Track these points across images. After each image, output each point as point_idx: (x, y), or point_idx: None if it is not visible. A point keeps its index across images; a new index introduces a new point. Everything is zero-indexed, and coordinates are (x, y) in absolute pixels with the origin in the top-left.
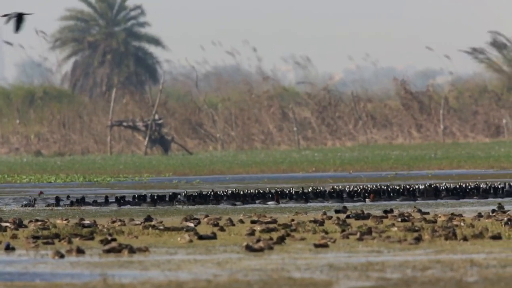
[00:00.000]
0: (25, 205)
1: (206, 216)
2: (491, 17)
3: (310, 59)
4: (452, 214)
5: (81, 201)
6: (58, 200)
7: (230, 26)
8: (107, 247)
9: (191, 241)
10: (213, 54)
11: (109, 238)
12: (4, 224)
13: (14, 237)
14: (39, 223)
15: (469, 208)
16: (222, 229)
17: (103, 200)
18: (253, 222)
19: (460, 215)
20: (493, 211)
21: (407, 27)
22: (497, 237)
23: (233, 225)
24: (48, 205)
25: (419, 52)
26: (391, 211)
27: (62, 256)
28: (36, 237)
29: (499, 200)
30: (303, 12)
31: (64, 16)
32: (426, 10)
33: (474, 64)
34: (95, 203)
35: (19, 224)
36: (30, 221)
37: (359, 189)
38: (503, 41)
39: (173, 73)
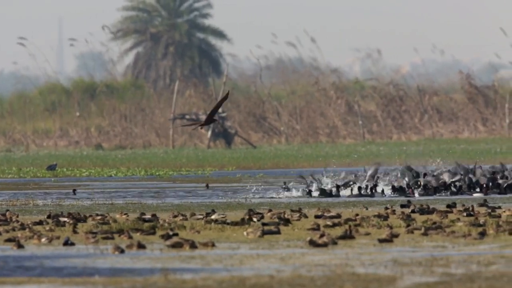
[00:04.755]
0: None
1: (270, 210)
2: None
3: (381, 51)
4: None
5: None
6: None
7: (293, 20)
8: (168, 242)
9: (259, 236)
10: (275, 47)
11: (171, 233)
12: (62, 219)
13: (73, 232)
14: (99, 217)
15: None
16: (286, 223)
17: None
18: (317, 216)
19: None
20: None
21: (480, 16)
22: None
23: (298, 219)
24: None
25: (485, 44)
26: (455, 205)
27: (122, 251)
28: (95, 232)
29: None
30: (365, 6)
31: (125, 6)
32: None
33: None
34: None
35: (78, 219)
36: (90, 216)
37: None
38: None
39: (236, 66)
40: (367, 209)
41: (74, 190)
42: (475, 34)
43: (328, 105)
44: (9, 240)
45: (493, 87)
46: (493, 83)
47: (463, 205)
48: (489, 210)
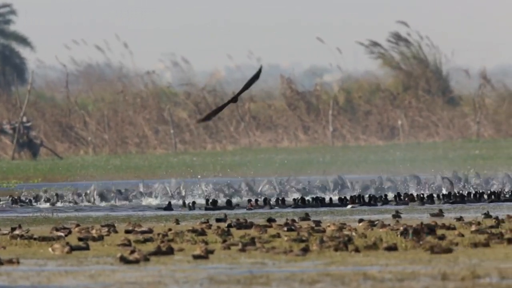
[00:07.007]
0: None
1: (77, 225)
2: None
3: (188, 59)
4: (342, 223)
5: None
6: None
7: (102, 24)
8: None
9: (67, 252)
10: (82, 53)
11: None
12: None
13: None
14: None
15: (361, 217)
16: (94, 239)
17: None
18: (127, 231)
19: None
20: (394, 216)
21: (294, 21)
22: (392, 248)
23: (107, 235)
24: None
25: (307, 48)
26: (274, 219)
27: None
28: None
29: (394, 208)
30: (175, 4)
31: None
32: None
33: (367, 60)
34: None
35: None
36: None
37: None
38: (407, 35)
39: (42, 73)
40: (178, 223)
41: None
42: (293, 39)
43: (137, 113)
44: None
45: (315, 93)
46: (315, 88)
47: (287, 219)
48: (312, 225)
